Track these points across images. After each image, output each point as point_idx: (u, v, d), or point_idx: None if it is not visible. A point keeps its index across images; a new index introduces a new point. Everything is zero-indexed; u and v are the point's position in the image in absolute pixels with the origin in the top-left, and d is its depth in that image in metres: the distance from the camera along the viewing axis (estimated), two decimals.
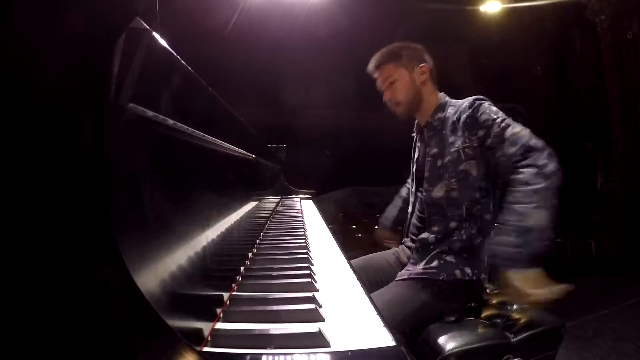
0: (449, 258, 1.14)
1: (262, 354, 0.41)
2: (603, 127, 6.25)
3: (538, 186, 0.95)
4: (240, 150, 1.00)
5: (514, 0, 6.98)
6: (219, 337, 0.45)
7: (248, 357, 0.40)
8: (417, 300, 1.08)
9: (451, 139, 1.18)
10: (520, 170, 0.99)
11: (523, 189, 0.96)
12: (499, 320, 1.05)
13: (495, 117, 1.10)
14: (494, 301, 1.15)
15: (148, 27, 0.35)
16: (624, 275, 4.19)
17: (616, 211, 5.78)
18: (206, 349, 0.42)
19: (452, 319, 1.08)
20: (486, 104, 1.15)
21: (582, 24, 6.54)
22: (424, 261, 1.15)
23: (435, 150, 1.22)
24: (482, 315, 1.08)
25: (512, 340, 0.96)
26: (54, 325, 0.28)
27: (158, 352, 0.31)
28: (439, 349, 0.93)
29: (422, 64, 1.28)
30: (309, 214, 1.59)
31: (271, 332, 0.45)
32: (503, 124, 1.07)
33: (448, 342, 0.93)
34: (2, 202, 0.28)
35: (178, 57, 0.44)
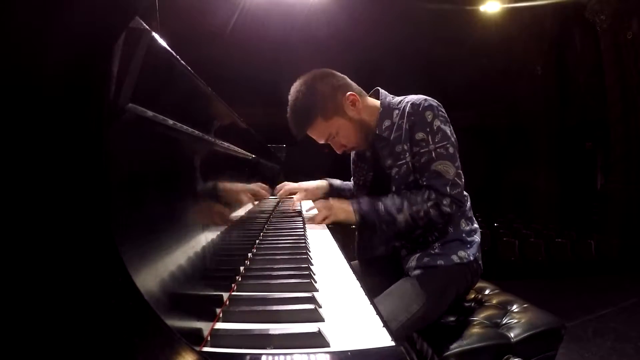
0: (438, 249, 1.11)
1: (261, 354, 0.41)
2: (603, 127, 6.25)
3: (429, 212, 1.06)
4: (240, 150, 1.00)
5: (514, 0, 6.98)
6: (219, 337, 0.45)
7: (248, 357, 0.41)
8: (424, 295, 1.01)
9: (398, 148, 1.11)
10: (428, 192, 1.07)
11: (421, 205, 1.06)
12: (499, 320, 1.05)
13: (429, 139, 1.06)
14: (494, 301, 1.15)
15: (148, 27, 0.35)
16: (624, 275, 4.19)
17: (616, 211, 5.79)
18: (206, 348, 0.42)
19: (452, 319, 1.08)
20: (428, 114, 1.06)
21: (582, 24, 6.55)
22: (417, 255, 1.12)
23: (389, 161, 1.13)
24: (482, 315, 1.08)
25: (512, 340, 0.96)
26: (54, 325, 0.28)
27: (157, 352, 0.31)
28: (439, 349, 0.93)
29: (347, 93, 1.12)
30: (308, 213, 1.59)
31: (271, 332, 0.45)
32: (434, 154, 1.06)
33: (448, 342, 0.93)
34: (1, 203, 0.28)
35: (178, 57, 0.44)
